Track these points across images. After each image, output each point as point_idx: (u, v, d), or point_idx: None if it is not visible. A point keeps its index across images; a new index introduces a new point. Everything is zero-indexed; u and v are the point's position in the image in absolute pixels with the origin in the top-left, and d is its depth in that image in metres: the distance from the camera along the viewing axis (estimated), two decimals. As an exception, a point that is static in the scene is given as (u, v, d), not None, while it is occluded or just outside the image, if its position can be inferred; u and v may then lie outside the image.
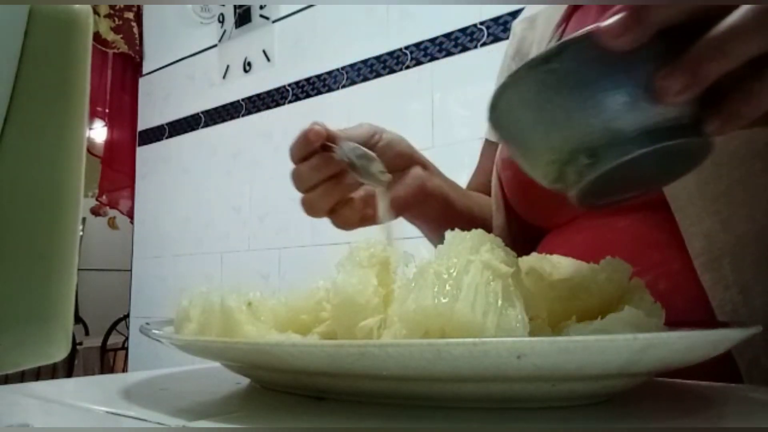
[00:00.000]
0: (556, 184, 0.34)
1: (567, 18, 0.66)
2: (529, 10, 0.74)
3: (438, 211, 0.61)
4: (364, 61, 2.02)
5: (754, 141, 0.44)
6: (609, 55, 0.29)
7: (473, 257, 0.32)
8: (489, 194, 0.70)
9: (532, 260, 0.41)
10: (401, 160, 0.57)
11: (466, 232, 0.35)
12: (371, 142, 0.55)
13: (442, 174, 0.63)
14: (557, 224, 0.59)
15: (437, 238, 0.66)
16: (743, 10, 0.28)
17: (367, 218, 0.54)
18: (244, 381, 0.41)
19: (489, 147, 0.75)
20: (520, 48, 0.72)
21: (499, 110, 0.34)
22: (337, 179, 0.50)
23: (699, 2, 0.29)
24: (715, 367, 0.46)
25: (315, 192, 0.50)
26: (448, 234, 0.35)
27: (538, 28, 0.70)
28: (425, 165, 0.60)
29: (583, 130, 0.31)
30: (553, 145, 0.32)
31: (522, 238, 0.63)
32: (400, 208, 0.57)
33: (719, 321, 0.45)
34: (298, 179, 0.50)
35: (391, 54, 1.96)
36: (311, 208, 0.51)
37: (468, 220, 0.65)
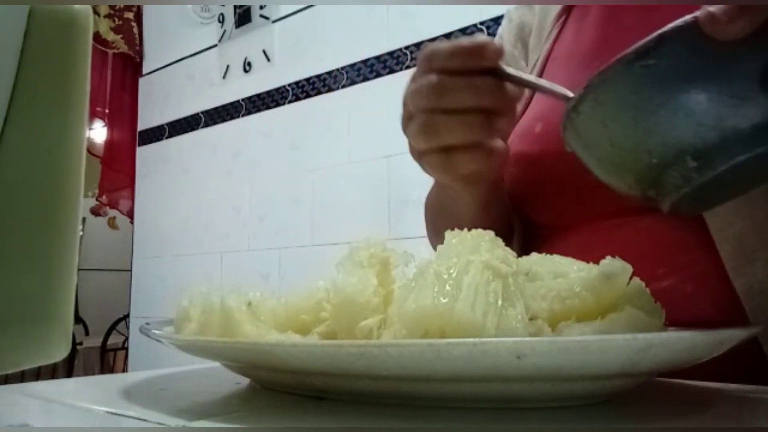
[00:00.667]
0: (649, 191, 0.31)
1: (566, 10, 0.64)
2: None
3: (487, 197, 0.54)
4: (364, 61, 2.02)
5: None
6: (714, 47, 0.26)
7: (473, 257, 0.32)
8: None
9: (532, 260, 0.41)
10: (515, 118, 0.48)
11: (466, 232, 0.35)
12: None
13: None
14: (568, 224, 0.56)
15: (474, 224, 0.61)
16: None
17: (475, 176, 0.46)
18: (244, 381, 0.41)
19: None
20: (520, 33, 0.68)
21: (581, 114, 0.31)
22: (488, 117, 0.41)
23: None
24: (716, 366, 0.46)
25: (451, 118, 0.40)
26: (448, 234, 0.35)
27: (536, 14, 0.68)
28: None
29: (690, 130, 0.28)
30: (656, 148, 0.29)
31: (528, 238, 0.61)
32: (492, 175, 0.49)
33: (719, 321, 0.45)
34: (435, 92, 0.40)
35: (391, 54, 1.96)
36: (431, 133, 0.41)
37: (503, 218, 0.59)
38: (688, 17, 0.27)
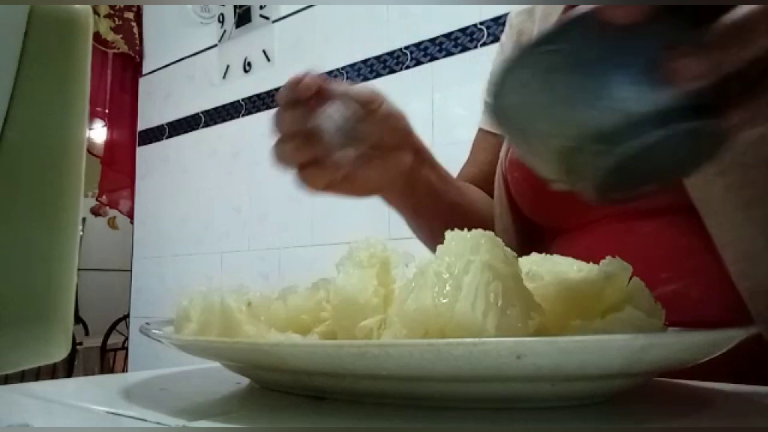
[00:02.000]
0: (568, 177, 0.31)
1: (566, 11, 0.64)
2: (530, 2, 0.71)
3: (420, 202, 0.58)
4: (364, 61, 2.02)
5: None
6: (617, 31, 0.26)
7: (473, 257, 0.32)
8: (481, 185, 0.67)
9: (533, 260, 0.41)
10: (394, 136, 0.54)
11: (466, 232, 0.35)
12: (370, 107, 0.51)
13: (436, 162, 0.59)
14: (571, 227, 0.56)
15: (416, 227, 0.63)
16: None
17: (335, 185, 0.50)
18: (244, 381, 0.41)
19: (483, 137, 0.71)
20: (519, 40, 0.70)
21: (499, 98, 0.30)
22: (317, 135, 0.46)
23: None
24: (714, 367, 0.46)
25: (291, 142, 0.47)
26: (448, 234, 0.35)
27: (535, 21, 0.69)
28: (419, 150, 0.57)
29: (593, 113, 0.28)
30: (562, 131, 0.29)
31: (530, 241, 0.61)
32: (368, 190, 0.54)
33: (719, 321, 0.45)
34: (276, 124, 0.47)
35: (391, 54, 1.96)
36: (282, 158, 0.48)
37: (451, 215, 0.61)
38: (593, 4, 0.27)
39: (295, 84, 0.45)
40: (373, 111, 0.51)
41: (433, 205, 0.60)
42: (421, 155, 0.57)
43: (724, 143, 0.30)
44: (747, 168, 0.43)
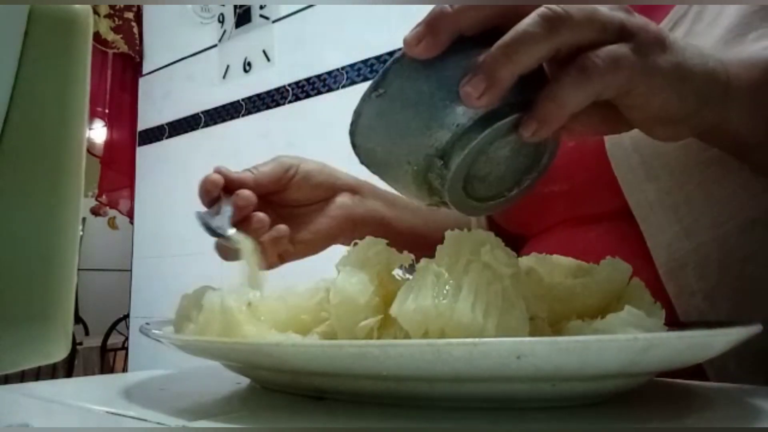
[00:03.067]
0: (433, 197, 0.36)
1: None
2: None
3: (373, 235, 0.59)
4: (364, 61, 2.02)
5: (709, 148, 0.44)
6: (425, 66, 0.32)
7: (473, 257, 0.32)
8: None
9: (532, 260, 0.41)
10: (321, 191, 0.57)
11: (466, 232, 0.35)
12: (285, 177, 0.55)
13: (380, 191, 0.61)
14: (533, 233, 0.59)
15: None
16: (531, 16, 0.30)
17: (290, 254, 0.55)
18: (244, 381, 0.41)
19: None
20: None
21: (356, 141, 0.36)
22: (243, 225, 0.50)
23: (498, 7, 0.32)
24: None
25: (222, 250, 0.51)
26: (448, 234, 0.35)
27: None
28: (354, 189, 0.59)
29: (427, 136, 0.33)
30: (408, 158, 0.34)
31: (509, 245, 0.62)
32: (324, 243, 0.57)
33: (719, 321, 0.45)
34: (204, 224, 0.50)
35: (391, 54, 1.96)
36: (220, 254, 0.52)
37: (411, 240, 0.62)
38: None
39: (204, 187, 0.49)
40: (289, 180, 0.55)
41: (386, 236, 0.62)
42: (358, 191, 0.59)
43: (554, 149, 0.37)
44: (676, 174, 0.45)
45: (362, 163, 0.37)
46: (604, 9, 0.32)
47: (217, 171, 0.50)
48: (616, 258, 0.39)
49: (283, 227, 0.52)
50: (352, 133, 0.36)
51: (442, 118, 0.32)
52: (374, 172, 0.37)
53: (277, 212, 0.54)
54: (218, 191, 0.49)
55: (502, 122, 0.32)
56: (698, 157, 0.45)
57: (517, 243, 0.62)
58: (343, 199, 0.58)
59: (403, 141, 0.34)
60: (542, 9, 0.30)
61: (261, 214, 0.50)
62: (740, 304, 0.44)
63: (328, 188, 0.57)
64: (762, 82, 0.36)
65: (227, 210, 0.49)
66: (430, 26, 0.32)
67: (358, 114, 0.35)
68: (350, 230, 0.58)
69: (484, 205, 0.38)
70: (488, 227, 0.64)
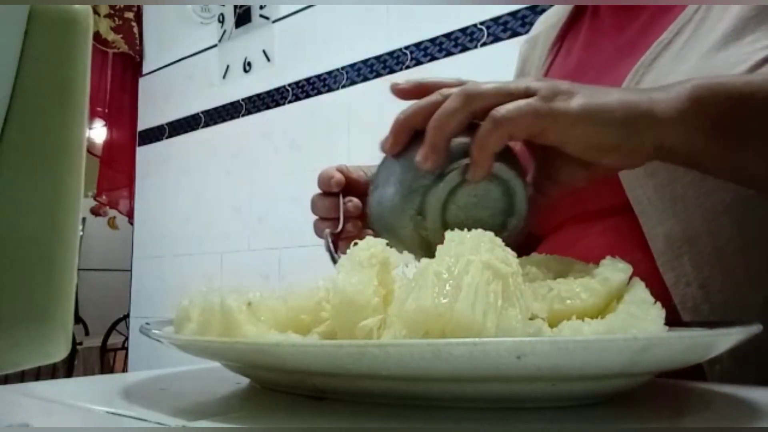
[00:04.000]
0: (427, 251, 0.42)
1: (561, 39, 0.69)
2: (535, 30, 0.76)
3: None
4: (364, 61, 2.02)
5: None
6: (397, 157, 0.45)
7: (473, 257, 0.32)
8: None
9: (532, 260, 0.41)
10: None
11: (466, 232, 0.35)
12: None
13: None
14: (547, 231, 0.62)
15: None
16: (452, 96, 0.41)
17: None
18: (244, 381, 0.41)
19: None
20: (523, 68, 0.75)
21: (375, 231, 0.48)
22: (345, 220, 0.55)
23: (429, 103, 0.42)
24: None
25: (324, 223, 0.56)
26: (448, 234, 0.35)
27: (537, 49, 0.73)
28: None
29: (408, 202, 0.44)
30: (402, 225, 0.44)
31: (525, 245, 0.65)
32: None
33: (719, 321, 0.45)
34: (314, 207, 0.57)
35: (391, 54, 1.96)
36: (318, 233, 0.57)
37: None
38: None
39: (327, 179, 0.55)
40: None
41: None
42: None
43: (509, 192, 0.44)
44: (672, 170, 0.48)
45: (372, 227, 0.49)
46: (514, 81, 0.41)
47: (339, 170, 0.56)
48: (617, 258, 0.39)
49: (367, 235, 0.59)
50: (371, 224, 0.49)
51: (413, 185, 0.43)
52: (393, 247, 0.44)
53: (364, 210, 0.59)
54: (339, 189, 0.55)
55: (450, 173, 0.42)
56: None
57: (531, 242, 0.64)
58: None
59: (395, 214, 0.44)
60: (459, 88, 0.41)
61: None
62: (733, 294, 0.47)
63: None
64: (692, 107, 0.41)
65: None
66: (392, 131, 0.44)
67: (369, 204, 0.47)
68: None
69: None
70: None
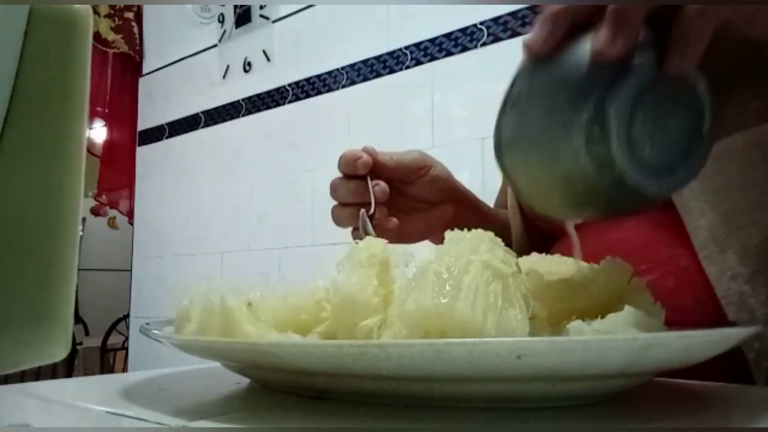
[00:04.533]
0: (599, 180, 0.33)
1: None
2: None
3: (473, 213, 0.64)
4: (364, 61, 2.02)
5: (751, 132, 0.45)
6: (547, 62, 0.33)
7: (473, 257, 0.32)
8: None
9: (532, 260, 0.41)
10: (438, 196, 0.61)
11: (466, 232, 0.35)
12: (418, 173, 0.59)
13: (484, 206, 0.66)
14: (565, 232, 0.60)
15: None
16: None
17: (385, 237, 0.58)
18: (244, 381, 0.41)
19: None
20: None
21: (505, 164, 0.36)
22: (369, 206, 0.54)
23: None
24: (712, 366, 0.46)
25: (347, 209, 0.54)
26: (448, 234, 0.35)
27: None
28: (460, 200, 0.63)
29: (574, 112, 0.32)
30: (563, 145, 0.33)
31: (540, 242, 0.64)
32: (414, 238, 0.61)
33: (720, 321, 0.45)
34: (335, 192, 0.54)
35: (391, 54, 1.96)
36: (339, 220, 0.55)
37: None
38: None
39: (354, 163, 0.53)
40: (420, 177, 0.60)
41: None
42: (463, 203, 0.64)
43: (698, 94, 0.34)
44: (716, 159, 0.45)
45: (511, 182, 0.37)
46: None
47: (366, 151, 0.53)
48: (617, 258, 0.39)
49: (394, 222, 0.57)
50: (499, 156, 0.36)
51: (584, 89, 0.32)
52: (523, 189, 0.36)
53: (391, 198, 0.58)
54: (366, 171, 0.53)
55: (641, 61, 0.31)
56: (738, 142, 0.46)
57: (548, 240, 0.64)
58: (447, 210, 0.62)
59: (552, 127, 0.33)
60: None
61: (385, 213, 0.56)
62: None
63: (443, 195, 0.62)
64: None
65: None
66: (545, 24, 0.33)
67: (498, 132, 0.35)
68: (441, 235, 0.61)
69: (668, 180, 0.34)
70: (525, 226, 0.66)
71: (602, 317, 0.33)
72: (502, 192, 0.77)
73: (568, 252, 0.44)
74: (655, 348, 0.27)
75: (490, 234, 0.35)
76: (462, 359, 0.26)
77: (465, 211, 0.64)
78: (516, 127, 0.34)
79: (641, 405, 0.34)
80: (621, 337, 0.27)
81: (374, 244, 0.38)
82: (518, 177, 0.36)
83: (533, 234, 0.66)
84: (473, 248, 0.33)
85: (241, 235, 2.32)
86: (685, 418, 0.32)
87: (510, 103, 0.35)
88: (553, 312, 0.36)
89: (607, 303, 0.37)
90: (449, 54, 1.82)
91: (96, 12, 2.69)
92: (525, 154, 0.35)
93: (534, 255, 0.43)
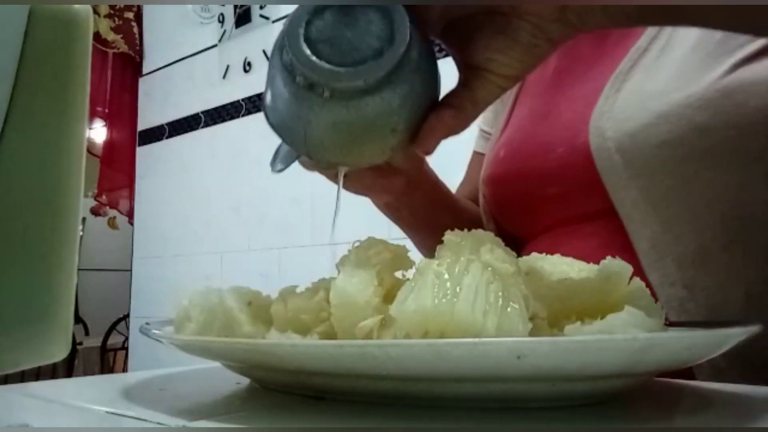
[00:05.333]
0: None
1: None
2: None
3: (427, 198, 0.62)
4: (364, 61, 2.02)
5: (684, 146, 0.47)
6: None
7: (473, 257, 0.32)
8: (474, 201, 0.73)
9: (532, 260, 0.41)
10: (405, 164, 0.58)
11: (466, 232, 0.35)
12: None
13: (435, 188, 0.65)
14: (532, 235, 0.62)
15: (421, 234, 0.68)
16: None
17: (375, 187, 0.54)
18: (244, 381, 0.41)
19: (475, 158, 0.77)
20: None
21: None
22: None
23: None
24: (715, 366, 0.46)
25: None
26: (448, 234, 0.35)
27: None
28: (421, 184, 0.62)
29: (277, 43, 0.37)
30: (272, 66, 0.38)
31: (511, 246, 0.65)
32: (356, 189, 0.58)
33: (719, 321, 0.45)
34: None
35: (391, 54, 1.96)
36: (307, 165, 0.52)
37: (454, 213, 0.66)
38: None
39: None
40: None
41: (436, 201, 0.64)
42: (416, 183, 0.61)
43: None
44: (655, 172, 0.49)
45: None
46: None
47: None
48: (617, 258, 0.39)
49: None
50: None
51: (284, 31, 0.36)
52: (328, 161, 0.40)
53: None
54: None
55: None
56: (675, 155, 0.48)
57: (516, 245, 0.64)
58: (397, 183, 0.57)
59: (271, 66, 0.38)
60: None
61: None
62: (717, 292, 0.47)
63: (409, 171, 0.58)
64: None
65: None
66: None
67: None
68: (385, 203, 0.60)
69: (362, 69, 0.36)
70: (496, 229, 0.67)
71: (602, 317, 0.33)
72: (466, 183, 0.77)
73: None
74: (656, 348, 0.27)
75: (490, 234, 0.35)
76: (462, 359, 0.26)
77: (419, 195, 0.62)
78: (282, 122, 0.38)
79: (641, 405, 0.34)
80: (621, 337, 0.27)
81: (374, 244, 0.38)
82: (320, 156, 0.39)
83: (503, 238, 0.67)
84: (473, 248, 0.33)
85: (241, 235, 2.32)
86: (685, 418, 0.32)
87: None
88: (553, 312, 0.36)
89: (607, 303, 0.37)
90: (449, 54, 1.82)
91: (96, 12, 2.69)
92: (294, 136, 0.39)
93: (534, 255, 0.43)
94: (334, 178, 0.51)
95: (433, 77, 0.40)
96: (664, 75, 0.50)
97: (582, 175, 0.53)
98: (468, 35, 0.39)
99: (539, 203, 0.58)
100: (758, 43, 0.46)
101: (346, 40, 0.36)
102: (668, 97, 0.48)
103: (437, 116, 0.39)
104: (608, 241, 0.52)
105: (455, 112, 0.39)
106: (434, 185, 0.63)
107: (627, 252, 0.49)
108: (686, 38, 0.50)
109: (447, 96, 0.40)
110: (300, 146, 0.40)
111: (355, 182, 0.55)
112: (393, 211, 0.63)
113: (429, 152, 0.39)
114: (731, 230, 0.47)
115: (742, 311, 0.46)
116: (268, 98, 0.39)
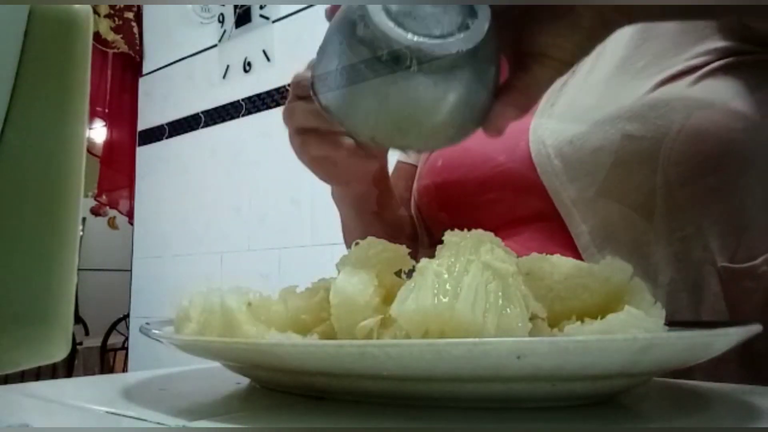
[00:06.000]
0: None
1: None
2: None
3: (388, 190, 0.65)
4: (364, 61, 2.02)
5: (617, 150, 0.52)
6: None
7: (473, 257, 0.32)
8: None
9: (532, 260, 0.41)
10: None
11: (465, 232, 0.35)
12: None
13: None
14: None
15: (354, 226, 0.69)
16: None
17: (319, 161, 0.56)
18: (244, 381, 0.41)
19: (400, 167, 0.77)
20: None
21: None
22: (332, 133, 0.52)
23: None
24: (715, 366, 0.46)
25: (306, 136, 0.52)
26: (448, 234, 0.35)
27: None
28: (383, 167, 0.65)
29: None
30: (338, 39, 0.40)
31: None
32: (343, 178, 0.60)
33: (719, 321, 0.45)
34: (293, 118, 0.53)
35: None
36: (290, 118, 0.53)
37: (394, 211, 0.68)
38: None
39: (296, 83, 0.52)
40: None
41: (383, 192, 0.66)
42: (385, 172, 0.65)
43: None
44: (591, 174, 0.53)
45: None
46: None
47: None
48: (617, 258, 0.39)
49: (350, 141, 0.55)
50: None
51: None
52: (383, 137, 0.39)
53: None
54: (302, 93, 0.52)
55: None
56: (608, 159, 0.52)
57: None
58: (378, 162, 0.61)
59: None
60: None
61: None
62: (647, 281, 0.49)
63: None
64: None
65: None
66: None
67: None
68: (362, 188, 0.62)
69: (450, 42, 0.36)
70: (430, 242, 0.68)
71: (602, 317, 0.33)
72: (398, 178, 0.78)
73: None
74: (656, 348, 0.27)
75: (490, 234, 0.35)
76: (462, 359, 0.26)
77: (386, 179, 0.65)
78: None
79: (641, 405, 0.34)
80: (621, 337, 0.27)
81: (374, 244, 0.38)
82: (374, 129, 0.38)
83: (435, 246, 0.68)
84: (473, 248, 0.33)
85: (241, 235, 2.32)
86: (685, 418, 0.32)
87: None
88: (553, 312, 0.36)
89: (607, 303, 0.37)
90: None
91: (96, 12, 2.69)
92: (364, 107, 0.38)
93: (534, 255, 0.43)
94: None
95: (499, 58, 0.40)
96: (596, 91, 0.55)
97: (521, 180, 0.57)
98: (521, 23, 0.40)
99: (482, 207, 0.61)
100: (677, 66, 0.53)
101: (428, 14, 0.35)
102: (602, 110, 0.53)
103: (507, 98, 0.39)
104: (550, 240, 0.55)
105: (520, 94, 0.39)
106: (385, 174, 0.66)
107: (568, 249, 0.53)
108: (610, 61, 0.56)
109: (508, 80, 0.40)
110: (364, 126, 0.38)
111: (342, 170, 0.57)
112: (361, 203, 0.65)
113: (501, 133, 0.40)
114: (657, 226, 0.52)
115: (667, 296, 0.51)
116: (330, 77, 0.39)
